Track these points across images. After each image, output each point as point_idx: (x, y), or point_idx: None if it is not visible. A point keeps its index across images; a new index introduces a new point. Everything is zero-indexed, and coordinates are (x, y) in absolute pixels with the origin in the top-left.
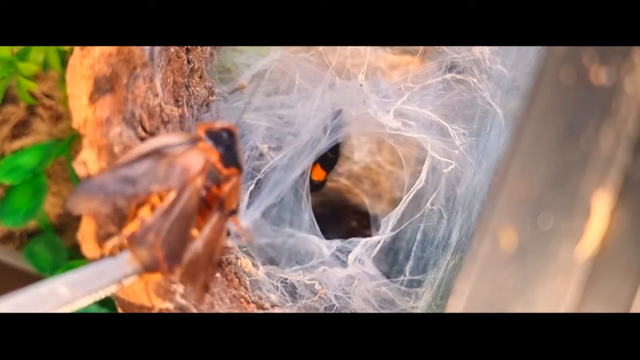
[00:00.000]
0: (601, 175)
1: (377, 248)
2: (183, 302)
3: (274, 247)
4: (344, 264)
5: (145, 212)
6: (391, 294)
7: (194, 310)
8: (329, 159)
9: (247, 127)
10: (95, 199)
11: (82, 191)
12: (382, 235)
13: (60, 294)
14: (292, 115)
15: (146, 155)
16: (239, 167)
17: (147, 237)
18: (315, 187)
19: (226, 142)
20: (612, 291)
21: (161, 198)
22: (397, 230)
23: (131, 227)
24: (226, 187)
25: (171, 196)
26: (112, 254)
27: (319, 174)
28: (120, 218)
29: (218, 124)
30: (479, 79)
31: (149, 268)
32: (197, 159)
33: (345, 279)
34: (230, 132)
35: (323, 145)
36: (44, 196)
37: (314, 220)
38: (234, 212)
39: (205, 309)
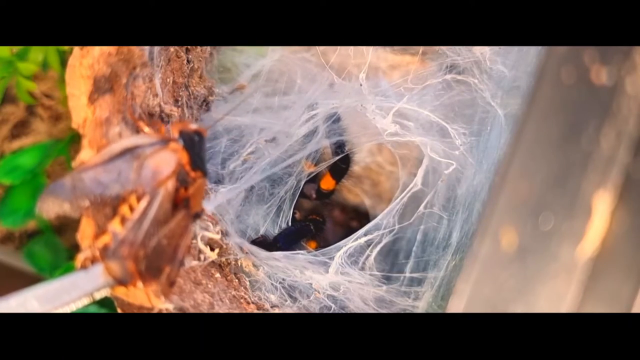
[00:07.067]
0: (602, 175)
1: (376, 249)
2: (182, 302)
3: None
4: (326, 272)
5: (115, 225)
6: (388, 296)
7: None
8: (340, 168)
9: (246, 127)
10: (65, 202)
11: (52, 194)
12: (364, 238)
13: (31, 308)
14: (288, 115)
15: (117, 156)
16: (204, 170)
17: (120, 250)
18: (323, 195)
19: (196, 145)
20: (613, 291)
21: (131, 208)
22: (384, 231)
23: (103, 240)
24: (192, 190)
25: (142, 205)
26: (83, 267)
27: (328, 183)
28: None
29: (193, 125)
30: (479, 79)
31: (122, 281)
32: (168, 160)
33: (332, 284)
34: (201, 135)
35: (313, 147)
36: None
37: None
38: (198, 216)
39: (205, 309)
